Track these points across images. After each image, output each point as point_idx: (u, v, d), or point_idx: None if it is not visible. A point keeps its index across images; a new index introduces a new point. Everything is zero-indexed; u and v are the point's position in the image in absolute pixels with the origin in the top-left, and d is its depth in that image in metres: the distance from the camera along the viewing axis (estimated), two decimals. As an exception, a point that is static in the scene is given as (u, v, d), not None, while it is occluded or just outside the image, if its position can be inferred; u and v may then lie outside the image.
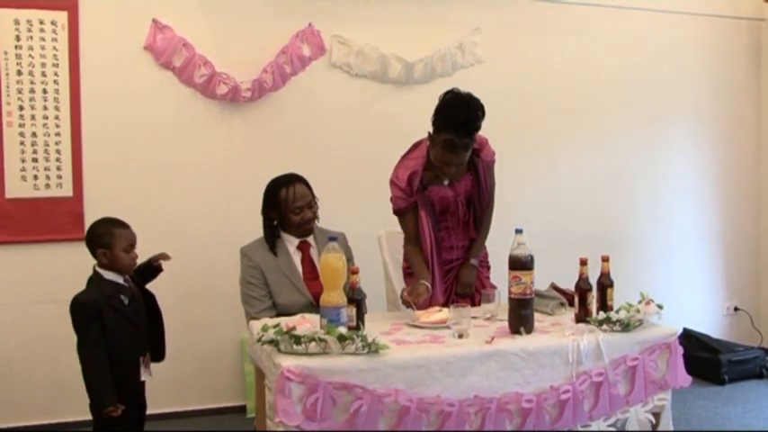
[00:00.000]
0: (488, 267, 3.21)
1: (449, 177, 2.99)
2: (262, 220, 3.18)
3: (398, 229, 3.19)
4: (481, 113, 2.83)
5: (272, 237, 3.14)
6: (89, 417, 3.89)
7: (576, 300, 2.62)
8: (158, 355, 2.93)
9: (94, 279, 2.75)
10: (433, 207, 3.02)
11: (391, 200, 3.03)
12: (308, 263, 3.13)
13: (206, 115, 3.90)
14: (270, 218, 3.16)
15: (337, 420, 2.17)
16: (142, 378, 2.82)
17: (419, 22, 4.21)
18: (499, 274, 3.12)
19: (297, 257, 3.14)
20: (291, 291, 3.06)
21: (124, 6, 3.75)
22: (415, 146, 3.05)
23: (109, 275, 2.74)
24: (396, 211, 3.05)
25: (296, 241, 3.15)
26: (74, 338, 3.85)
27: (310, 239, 3.17)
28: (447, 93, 2.89)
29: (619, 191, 4.69)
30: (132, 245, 2.80)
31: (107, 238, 2.75)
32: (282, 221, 3.14)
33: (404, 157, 3.05)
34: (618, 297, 2.63)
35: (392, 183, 3.02)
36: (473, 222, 3.08)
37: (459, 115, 2.79)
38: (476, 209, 3.07)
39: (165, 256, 2.97)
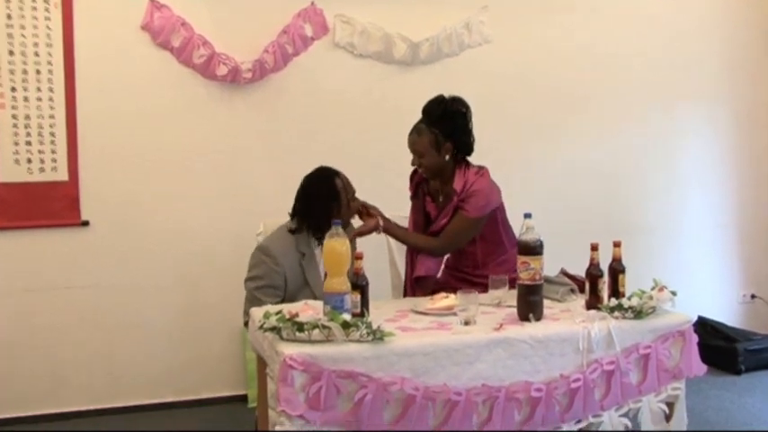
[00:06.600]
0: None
1: (431, 183, 3.04)
2: (313, 217, 2.92)
3: (403, 214, 3.22)
4: (448, 109, 2.89)
5: (323, 232, 2.79)
6: (86, 406, 3.88)
7: (587, 286, 2.58)
8: None
9: None
10: (427, 216, 3.08)
11: None
12: None
13: (205, 97, 3.85)
14: (330, 210, 2.88)
15: (341, 409, 2.16)
16: None
17: (425, 1, 4.13)
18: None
19: (322, 261, 2.89)
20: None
21: (120, -16, 3.69)
22: None
23: None
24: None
25: None
26: (71, 325, 3.83)
27: None
28: None
29: (632, 175, 4.61)
30: None
31: None
32: (338, 212, 2.90)
33: None
34: (630, 283, 2.59)
35: None
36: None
37: (426, 104, 2.94)
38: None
39: None
